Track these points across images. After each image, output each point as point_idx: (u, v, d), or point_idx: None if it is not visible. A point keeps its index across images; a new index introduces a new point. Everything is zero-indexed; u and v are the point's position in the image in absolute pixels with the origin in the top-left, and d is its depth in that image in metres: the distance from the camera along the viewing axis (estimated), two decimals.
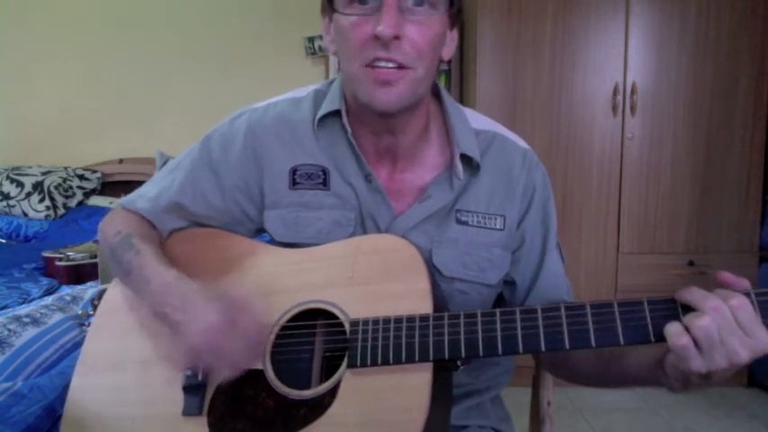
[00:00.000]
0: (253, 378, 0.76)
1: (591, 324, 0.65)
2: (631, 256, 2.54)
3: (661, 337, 0.62)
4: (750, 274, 2.49)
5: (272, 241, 0.91)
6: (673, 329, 0.61)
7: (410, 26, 0.74)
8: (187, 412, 0.77)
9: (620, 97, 2.46)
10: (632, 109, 2.46)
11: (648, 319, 0.64)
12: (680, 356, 0.61)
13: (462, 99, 2.76)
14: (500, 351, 0.68)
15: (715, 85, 2.45)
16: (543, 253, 0.90)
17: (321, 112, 0.86)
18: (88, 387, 0.85)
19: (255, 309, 0.73)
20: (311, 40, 3.14)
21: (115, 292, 0.90)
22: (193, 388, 0.77)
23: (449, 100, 0.90)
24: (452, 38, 0.84)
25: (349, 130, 0.85)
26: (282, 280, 0.82)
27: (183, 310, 0.72)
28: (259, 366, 0.76)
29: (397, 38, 0.73)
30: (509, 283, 0.91)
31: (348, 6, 0.76)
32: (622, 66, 2.45)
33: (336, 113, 0.86)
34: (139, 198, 0.93)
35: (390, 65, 0.75)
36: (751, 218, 2.52)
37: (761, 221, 2.53)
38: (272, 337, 0.78)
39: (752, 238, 2.53)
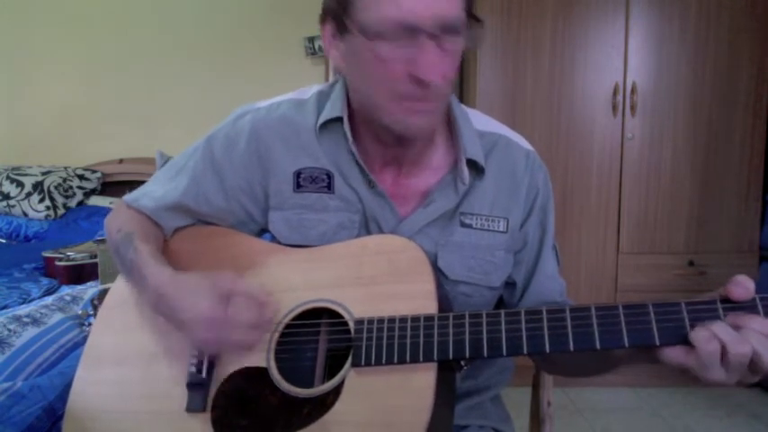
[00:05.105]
0: (257, 375, 0.76)
1: (596, 326, 0.65)
2: (631, 256, 2.54)
3: (665, 341, 0.62)
4: (750, 274, 2.46)
5: (275, 242, 0.91)
6: (701, 335, 0.59)
7: (444, 59, 0.73)
8: (191, 408, 0.77)
9: (620, 97, 2.46)
10: (632, 109, 2.46)
11: (654, 322, 0.63)
12: (704, 363, 0.60)
13: (462, 99, 2.76)
14: (504, 352, 0.67)
15: (715, 85, 2.45)
16: (539, 254, 0.90)
17: (323, 118, 0.85)
18: (92, 380, 0.86)
19: (246, 286, 0.74)
20: (311, 40, 3.14)
21: (121, 286, 0.91)
22: (197, 384, 0.77)
23: (455, 103, 0.89)
24: None
25: (350, 138, 0.84)
26: (288, 279, 0.81)
27: (178, 306, 0.74)
28: (262, 364, 0.76)
29: None
30: (509, 284, 0.91)
31: (376, 36, 0.71)
32: (622, 66, 2.45)
33: (338, 119, 0.85)
34: (144, 196, 0.93)
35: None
36: (751, 218, 2.52)
37: (761, 221, 2.53)
38: (277, 335, 0.78)
39: (752, 238, 2.53)
